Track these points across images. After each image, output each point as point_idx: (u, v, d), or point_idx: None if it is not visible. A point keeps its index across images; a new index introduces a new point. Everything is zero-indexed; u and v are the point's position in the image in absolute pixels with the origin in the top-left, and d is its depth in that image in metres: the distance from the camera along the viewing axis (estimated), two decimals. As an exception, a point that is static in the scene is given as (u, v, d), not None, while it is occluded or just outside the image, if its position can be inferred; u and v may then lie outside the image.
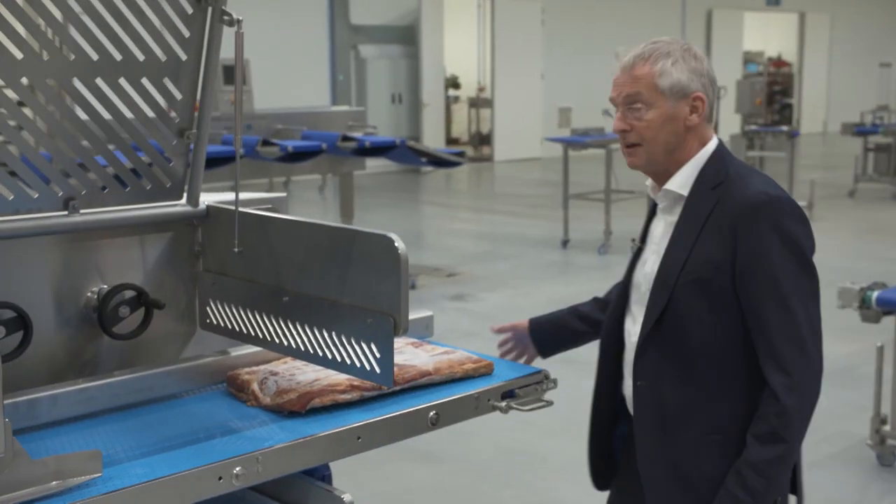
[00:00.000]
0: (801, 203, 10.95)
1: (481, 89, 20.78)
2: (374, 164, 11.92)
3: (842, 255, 10.04)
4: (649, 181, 2.31)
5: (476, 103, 20.86)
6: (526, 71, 19.12)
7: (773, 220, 2.08)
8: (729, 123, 19.02)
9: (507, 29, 18.96)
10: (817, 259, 2.19)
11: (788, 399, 2.06)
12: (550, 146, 15.77)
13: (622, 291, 2.35)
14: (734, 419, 2.14)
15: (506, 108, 19.20)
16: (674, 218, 2.22)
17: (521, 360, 2.61)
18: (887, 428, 4.87)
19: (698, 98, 2.15)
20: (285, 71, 15.64)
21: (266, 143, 7.81)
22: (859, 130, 14.31)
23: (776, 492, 2.15)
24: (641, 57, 2.14)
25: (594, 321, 2.54)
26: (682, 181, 2.19)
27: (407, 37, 18.07)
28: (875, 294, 4.57)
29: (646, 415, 2.22)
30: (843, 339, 6.81)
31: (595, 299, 2.62)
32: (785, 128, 13.56)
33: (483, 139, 20.48)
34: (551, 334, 2.54)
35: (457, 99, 21.28)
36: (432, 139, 17.71)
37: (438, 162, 8.98)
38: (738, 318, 2.12)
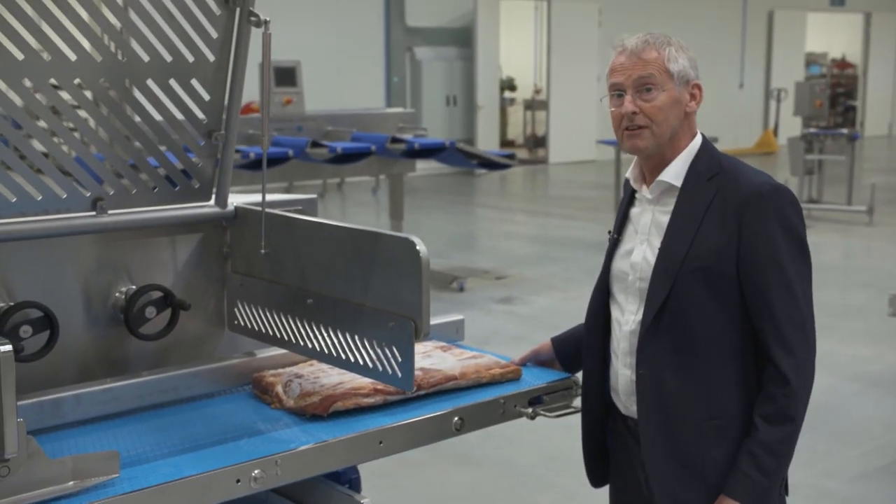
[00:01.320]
0: (861, 207, 10.62)
1: (537, 91, 20.69)
2: (427, 166, 11.93)
3: (902, 262, 9.82)
4: (631, 173, 2.36)
5: (532, 105, 20.78)
6: (582, 73, 18.98)
7: (777, 210, 2.16)
8: (789, 126, 18.69)
9: (563, 30, 18.85)
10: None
11: (795, 379, 2.13)
12: (605, 149, 15.64)
13: (602, 282, 2.38)
14: (731, 402, 2.20)
15: (561, 110, 19.08)
16: (665, 209, 2.26)
17: None
18: (942, 440, 4.73)
19: (696, 86, 2.24)
20: (341, 72, 15.73)
21: (315, 144, 7.85)
22: (924, 133, 13.96)
23: (785, 470, 2.20)
24: (648, 43, 2.21)
25: None
26: (675, 172, 2.24)
27: (462, 39, 18.05)
28: (929, 302, 4.45)
29: (648, 403, 2.24)
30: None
31: None
32: (845, 130, 13.25)
33: (538, 141, 20.39)
34: (575, 349, 2.52)
35: (512, 101, 21.22)
36: (487, 141, 17.67)
37: (488, 164, 8.94)
38: (738, 305, 2.18)
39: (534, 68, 21.06)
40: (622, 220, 2.37)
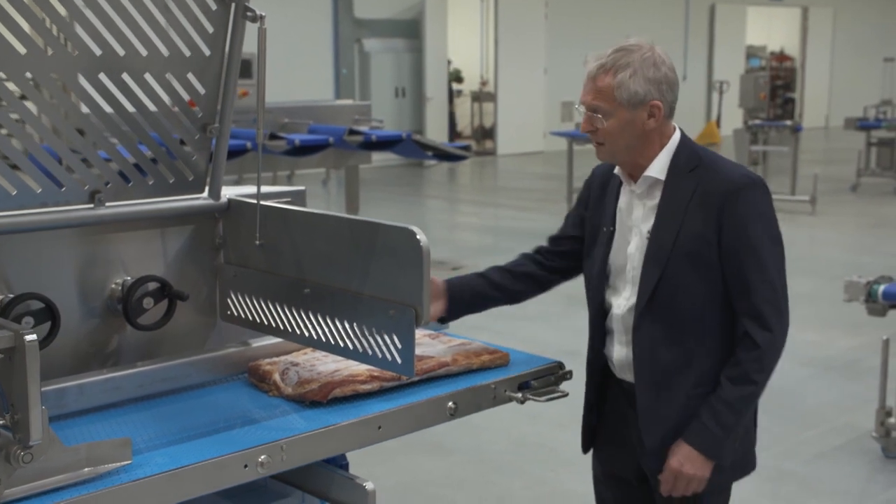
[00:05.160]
0: (804, 197, 10.92)
1: (484, 83, 20.79)
2: (377, 157, 11.94)
3: (844, 250, 10.08)
4: (619, 169, 2.51)
5: (479, 97, 20.87)
6: (529, 65, 19.13)
7: (753, 200, 2.36)
8: (732, 118, 19.03)
9: (510, 23, 18.97)
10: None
11: (765, 349, 2.35)
12: (553, 140, 15.78)
13: (600, 271, 2.53)
14: (714, 372, 2.42)
15: (509, 102, 19.22)
16: (653, 201, 2.44)
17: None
18: (892, 420, 4.90)
19: (655, 105, 2.37)
20: (289, 65, 15.63)
21: (273, 136, 7.85)
22: (862, 125, 14.31)
23: (740, 427, 2.42)
24: (603, 68, 2.34)
25: (508, 291, 2.74)
26: (660, 167, 2.42)
27: (411, 30, 18.07)
28: (882, 288, 4.61)
29: (644, 377, 2.46)
30: (849, 333, 6.86)
31: (500, 269, 2.75)
32: (788, 122, 13.56)
33: (486, 133, 20.50)
34: (468, 301, 2.66)
35: (460, 93, 21.29)
36: (435, 133, 17.72)
37: (444, 156, 9.02)
38: (720, 285, 2.39)
39: (480, 60, 21.14)
40: (613, 213, 2.53)
